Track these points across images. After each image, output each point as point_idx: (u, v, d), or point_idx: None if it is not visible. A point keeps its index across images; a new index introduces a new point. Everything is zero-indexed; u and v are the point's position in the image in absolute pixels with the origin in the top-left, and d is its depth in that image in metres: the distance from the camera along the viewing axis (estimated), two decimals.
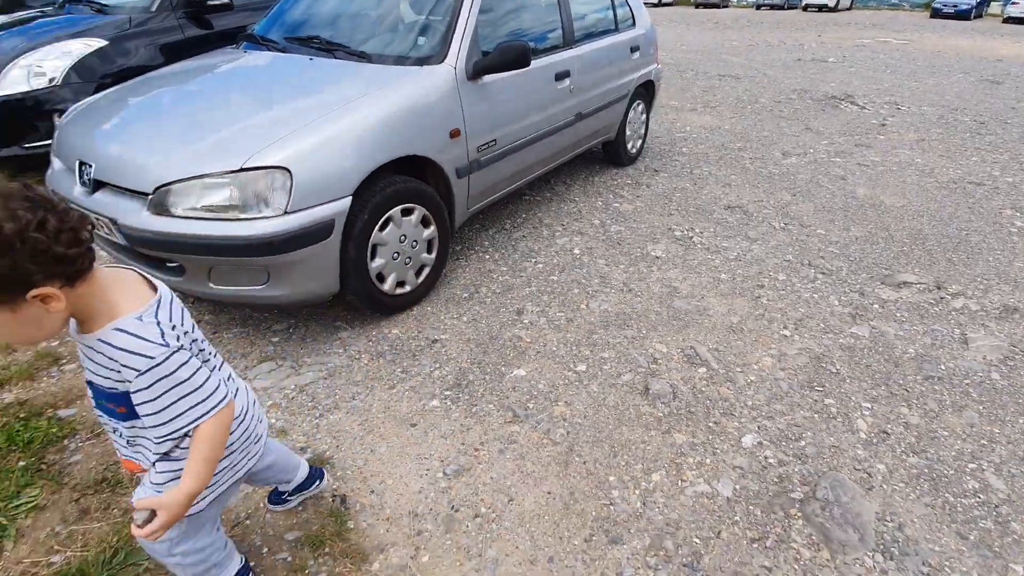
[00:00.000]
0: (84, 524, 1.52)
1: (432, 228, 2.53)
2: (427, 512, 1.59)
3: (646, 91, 4.50)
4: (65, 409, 1.93)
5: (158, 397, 0.89)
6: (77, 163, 2.12)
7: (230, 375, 1.14)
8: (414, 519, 1.57)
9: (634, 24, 4.23)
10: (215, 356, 1.09)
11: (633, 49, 4.10)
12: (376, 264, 2.29)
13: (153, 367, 0.87)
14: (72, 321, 0.90)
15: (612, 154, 4.43)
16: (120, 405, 0.95)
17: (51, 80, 3.60)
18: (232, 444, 1.10)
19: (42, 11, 4.61)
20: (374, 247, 2.26)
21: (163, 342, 0.88)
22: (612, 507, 1.63)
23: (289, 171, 1.93)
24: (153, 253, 1.99)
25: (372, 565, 1.44)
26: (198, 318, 2.48)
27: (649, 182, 4.24)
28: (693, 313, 2.60)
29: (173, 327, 0.93)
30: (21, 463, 1.68)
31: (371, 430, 1.89)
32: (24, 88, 3.60)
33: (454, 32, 2.59)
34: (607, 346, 2.36)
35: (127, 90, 2.66)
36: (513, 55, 2.60)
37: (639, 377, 2.18)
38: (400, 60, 2.58)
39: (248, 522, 1.55)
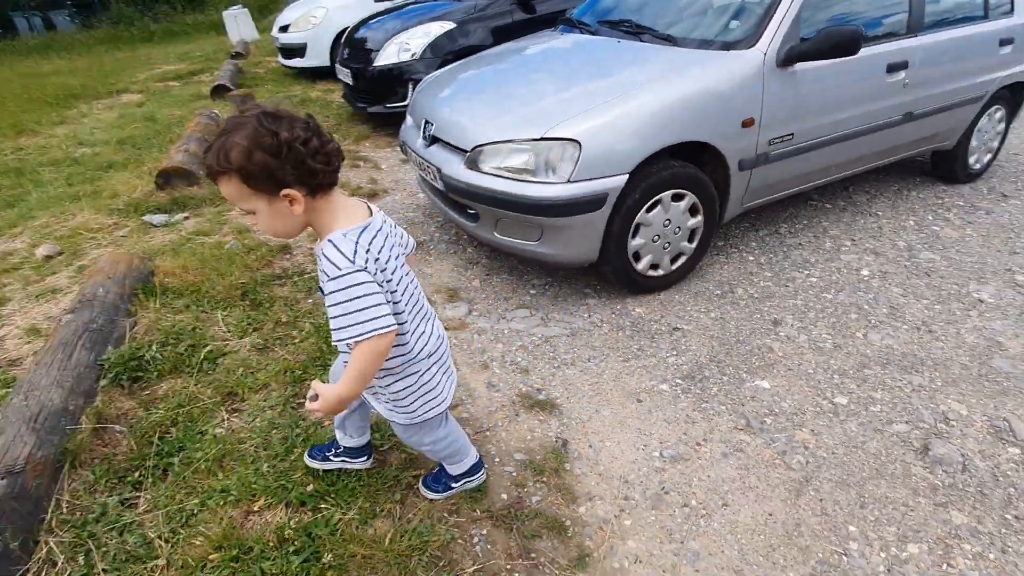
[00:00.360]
0: None
1: (699, 217, 2.47)
2: (637, 482, 1.64)
3: (1012, 95, 3.50)
4: None
5: (334, 305, 1.02)
6: (423, 122, 2.68)
7: (426, 318, 1.28)
8: (624, 484, 1.64)
9: (1012, 11, 3.29)
10: (411, 298, 1.20)
11: (1004, 42, 3.22)
12: (635, 243, 2.36)
13: (337, 276, 1.00)
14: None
15: (944, 167, 3.60)
16: None
17: (413, 55, 4.56)
18: (429, 370, 1.27)
19: None
20: (637, 226, 2.33)
21: (352, 259, 1.01)
22: (846, 558, 1.43)
23: (579, 144, 2.11)
24: (460, 200, 2.42)
25: (579, 508, 1.56)
26: (477, 260, 2.93)
27: (991, 208, 3.34)
28: (1019, 379, 2.02)
29: (367, 251, 1.05)
30: None
31: (599, 392, 2.00)
32: (394, 60, 4.65)
33: (773, 15, 2.42)
34: (881, 386, 2.01)
35: (463, 66, 3.22)
36: (838, 41, 2.31)
37: (918, 433, 1.81)
38: (705, 44, 2.53)
39: (488, 433, 1.83)
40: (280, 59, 7.78)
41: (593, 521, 1.53)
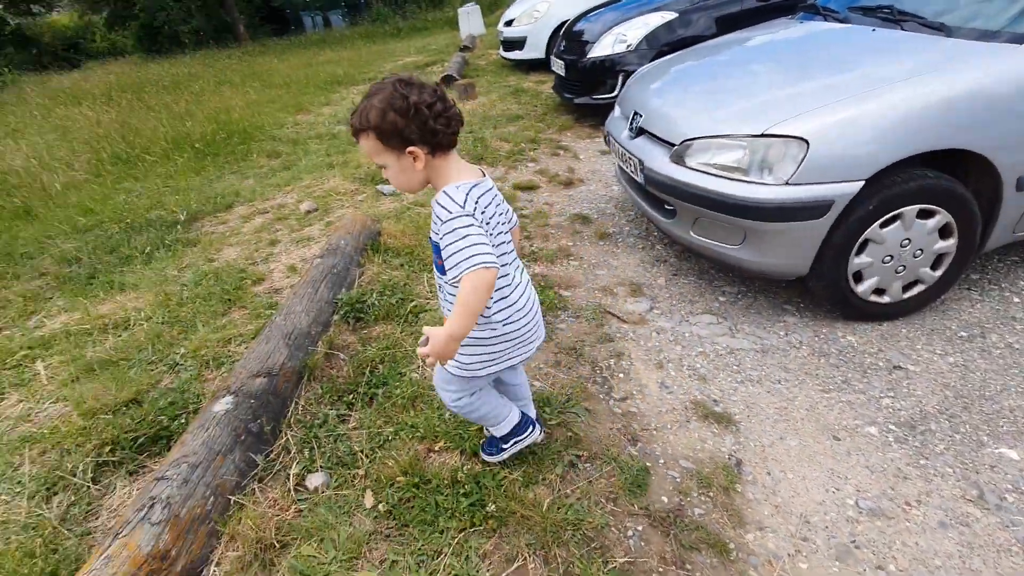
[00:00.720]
0: (552, 370, 2.09)
1: (951, 241, 2.06)
2: (821, 526, 1.46)
3: None
4: (565, 290, 2.61)
5: (446, 246, 1.11)
6: (632, 113, 2.67)
7: (521, 272, 1.36)
8: (804, 524, 1.47)
9: None
10: (512, 262, 1.32)
11: None
12: (859, 261, 2.06)
13: (448, 219, 1.12)
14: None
15: None
16: (438, 257, 1.19)
17: (628, 46, 4.53)
18: (512, 332, 1.31)
19: None
20: (865, 242, 2.02)
21: (461, 205, 1.13)
22: None
23: (807, 143, 1.90)
24: (659, 194, 2.37)
25: (747, 535, 1.45)
26: (665, 257, 2.84)
27: None
28: None
29: (476, 203, 1.16)
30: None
31: (787, 419, 1.81)
32: (608, 52, 4.68)
33: None
34: None
35: (680, 57, 3.11)
36: None
37: None
38: (988, 35, 2.06)
39: (654, 432, 1.79)
40: (501, 52, 8.37)
41: (762, 553, 1.41)
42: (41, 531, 1.61)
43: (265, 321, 2.55)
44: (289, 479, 1.64)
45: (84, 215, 4.30)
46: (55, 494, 1.78)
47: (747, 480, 1.61)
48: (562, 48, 5.39)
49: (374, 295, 2.46)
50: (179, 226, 3.96)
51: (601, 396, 1.95)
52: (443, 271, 1.18)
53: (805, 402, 1.88)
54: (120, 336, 2.61)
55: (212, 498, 1.46)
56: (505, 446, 1.59)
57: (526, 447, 1.63)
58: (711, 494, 1.57)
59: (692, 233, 2.29)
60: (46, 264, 3.57)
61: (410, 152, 1.14)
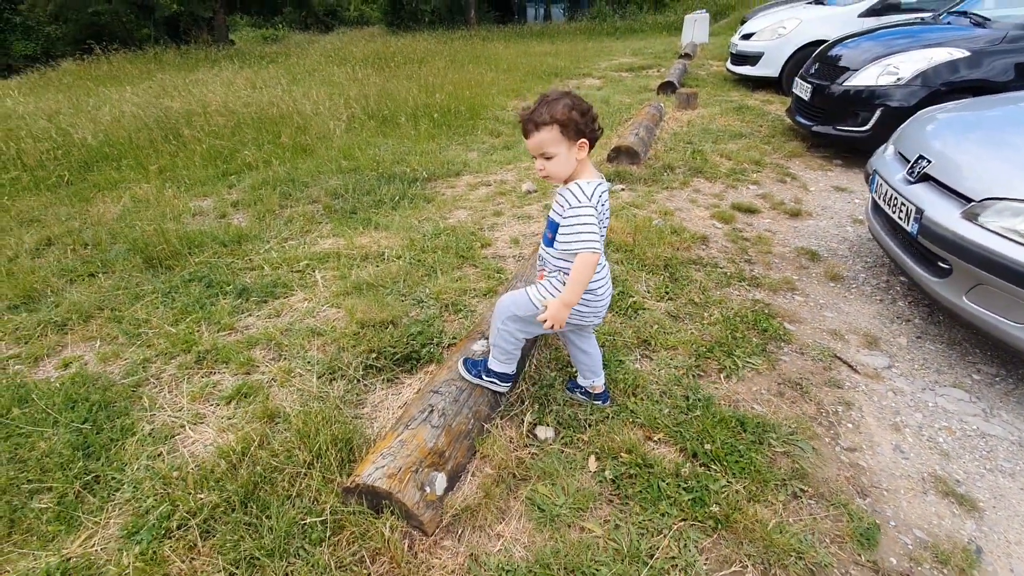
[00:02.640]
0: (775, 399, 2.06)
1: None
2: None
3: None
4: (790, 324, 2.53)
5: (569, 227, 1.47)
6: (916, 156, 2.46)
7: (607, 268, 1.71)
8: None
9: None
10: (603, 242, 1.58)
11: None
12: None
13: (577, 206, 1.46)
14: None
15: None
16: (551, 232, 1.56)
17: (897, 80, 4.11)
18: (596, 302, 1.64)
19: (920, 18, 5.14)
20: None
21: (587, 197, 1.46)
22: None
23: None
24: (936, 250, 2.17)
25: None
26: (909, 316, 2.59)
27: None
28: None
29: (598, 199, 1.49)
30: (754, 339, 2.38)
31: None
32: (870, 83, 4.28)
33: None
34: None
35: (986, 102, 2.76)
36: None
37: None
38: None
39: (885, 492, 1.70)
40: (728, 64, 8.07)
41: None
42: (328, 405, 2.05)
43: (496, 283, 2.87)
44: (523, 424, 1.87)
45: (346, 159, 5.14)
46: (334, 380, 2.23)
47: (987, 570, 1.47)
48: (811, 71, 5.06)
49: None
50: (418, 183, 4.55)
51: (827, 440, 1.89)
52: (551, 245, 1.59)
53: None
54: (377, 266, 3.11)
55: (472, 420, 1.73)
56: (485, 377, 1.85)
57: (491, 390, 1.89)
58: (946, 571, 1.46)
59: (966, 299, 2.07)
60: (318, 194, 4.35)
61: (582, 144, 1.47)
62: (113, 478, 1.78)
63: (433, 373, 1.91)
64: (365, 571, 1.42)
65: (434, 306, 2.68)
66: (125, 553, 1.51)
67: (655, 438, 1.83)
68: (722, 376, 2.16)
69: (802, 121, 5.00)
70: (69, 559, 1.52)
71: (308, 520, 1.53)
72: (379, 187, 4.39)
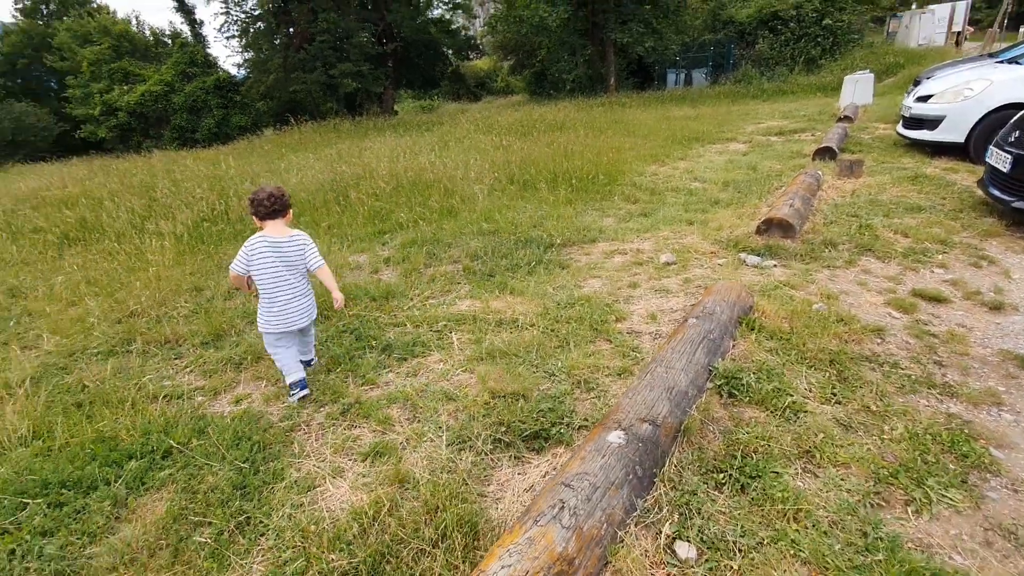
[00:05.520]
0: (981, 550, 1.64)
1: None
2: None
3: None
4: (997, 449, 2.04)
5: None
6: None
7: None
8: None
9: None
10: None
11: None
12: None
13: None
14: None
15: None
16: None
17: None
18: None
19: None
20: None
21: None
22: None
23: None
24: None
25: None
26: None
27: None
28: None
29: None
30: (951, 465, 1.95)
31: None
32: None
33: None
34: None
35: None
36: None
37: None
38: None
39: None
40: (899, 128, 7.29)
41: None
42: (456, 478, 2.03)
43: (630, 363, 2.73)
44: (660, 536, 1.68)
45: (486, 221, 5.40)
46: (462, 450, 2.22)
47: None
48: (1012, 139, 4.35)
49: (750, 374, 2.37)
50: (553, 248, 4.61)
51: None
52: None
53: None
54: (511, 333, 3.14)
55: (605, 524, 1.59)
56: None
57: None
58: None
59: None
60: (459, 255, 4.59)
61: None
62: (261, 522, 1.91)
63: (564, 464, 1.82)
64: None
65: (566, 381, 2.61)
66: None
67: None
68: (910, 510, 1.78)
69: (999, 195, 4.27)
70: None
71: None
72: (516, 250, 4.51)
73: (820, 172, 5.93)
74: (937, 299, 3.25)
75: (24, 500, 2.03)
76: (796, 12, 19.07)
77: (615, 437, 1.86)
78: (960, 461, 1.97)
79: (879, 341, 2.79)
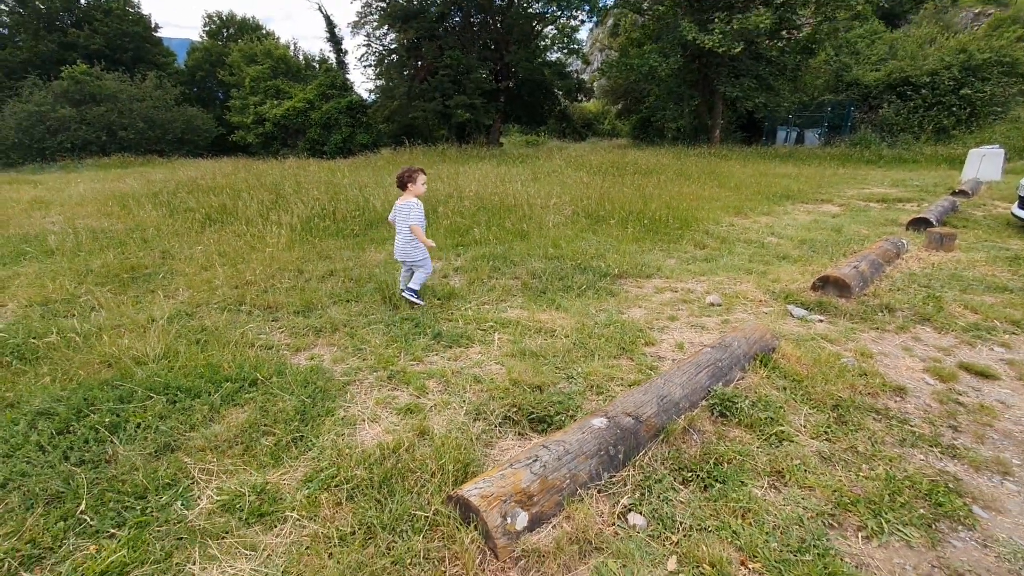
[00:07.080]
0: None
1: None
2: None
3: None
4: (983, 510, 2.09)
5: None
6: None
7: None
8: None
9: None
10: None
11: None
12: None
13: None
14: None
15: None
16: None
17: None
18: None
19: None
20: None
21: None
22: None
23: None
24: None
25: None
26: None
27: None
28: None
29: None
30: (921, 510, 2.04)
31: None
32: None
33: None
34: None
35: None
36: None
37: None
38: None
39: None
40: (1015, 209, 6.84)
41: None
42: (465, 436, 2.43)
43: (645, 378, 3.00)
44: (618, 505, 1.96)
45: (553, 247, 5.83)
46: (477, 420, 2.61)
47: None
48: None
49: (747, 402, 2.57)
50: (608, 277, 4.93)
51: None
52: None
53: None
54: (546, 339, 3.51)
55: (568, 480, 1.91)
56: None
57: None
58: None
59: None
60: (521, 273, 5.04)
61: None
62: (310, 440, 2.42)
63: (549, 434, 2.15)
64: (442, 569, 1.69)
65: (581, 384, 2.93)
66: (299, 492, 2.06)
67: (749, 566, 1.74)
68: (860, 535, 1.92)
69: None
70: (267, 483, 2.13)
71: (416, 512, 1.88)
72: (573, 275, 4.89)
73: (905, 241, 5.77)
74: (984, 374, 3.18)
75: (151, 394, 2.71)
76: (931, 79, 18.01)
77: (598, 422, 2.18)
78: (932, 508, 2.06)
79: (897, 399, 2.84)
